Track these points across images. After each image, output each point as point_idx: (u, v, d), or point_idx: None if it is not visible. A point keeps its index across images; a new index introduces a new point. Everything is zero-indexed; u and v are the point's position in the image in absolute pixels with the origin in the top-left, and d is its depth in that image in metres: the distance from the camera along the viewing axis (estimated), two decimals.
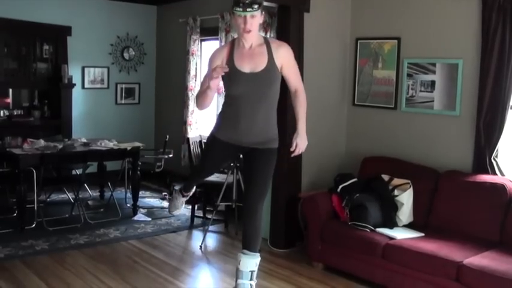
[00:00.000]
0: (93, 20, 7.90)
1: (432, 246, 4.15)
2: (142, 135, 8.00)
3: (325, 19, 5.62)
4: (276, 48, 3.31)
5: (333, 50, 5.76)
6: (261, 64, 3.25)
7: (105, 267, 4.77)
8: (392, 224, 4.63)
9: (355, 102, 5.82)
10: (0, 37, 7.14)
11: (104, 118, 8.11)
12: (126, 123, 8.30)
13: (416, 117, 5.29)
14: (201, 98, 3.40)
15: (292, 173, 5.37)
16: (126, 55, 8.33)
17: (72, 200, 6.43)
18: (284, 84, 3.55)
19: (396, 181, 4.87)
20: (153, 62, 8.66)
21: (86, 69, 7.95)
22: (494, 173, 4.66)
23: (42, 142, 6.00)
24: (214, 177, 5.70)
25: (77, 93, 7.77)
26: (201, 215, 6.21)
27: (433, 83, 5.13)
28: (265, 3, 5.24)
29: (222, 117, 3.51)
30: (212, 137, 3.55)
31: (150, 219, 6.29)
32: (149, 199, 7.23)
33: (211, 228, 5.86)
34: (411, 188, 4.78)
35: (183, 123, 7.62)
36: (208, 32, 7.34)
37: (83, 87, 7.94)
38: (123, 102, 8.39)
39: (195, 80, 7.52)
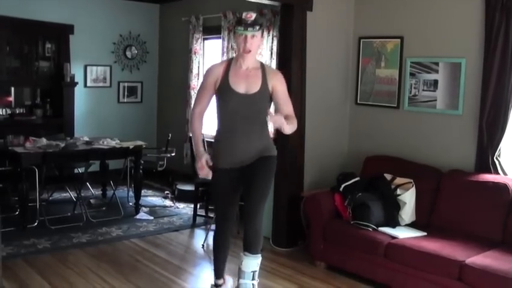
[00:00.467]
0: (95, 18, 7.90)
1: (434, 246, 4.14)
2: (144, 134, 8.00)
3: (328, 18, 5.61)
4: (270, 74, 3.40)
5: (335, 49, 5.75)
6: (255, 86, 3.31)
7: (107, 266, 4.77)
8: (394, 223, 4.62)
9: (358, 101, 5.82)
10: (2, 35, 7.14)
11: (106, 117, 8.11)
12: (128, 121, 8.30)
13: (418, 117, 5.28)
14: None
15: (294, 172, 5.37)
16: (128, 54, 8.33)
17: (74, 199, 6.43)
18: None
19: (398, 180, 4.86)
20: (155, 60, 8.65)
21: (89, 68, 7.95)
22: (497, 173, 4.65)
23: (44, 141, 6.00)
24: None
25: (79, 92, 7.77)
26: (203, 214, 6.21)
27: (435, 82, 5.12)
28: (268, 2, 5.27)
29: (218, 147, 3.52)
30: (215, 170, 3.53)
31: (152, 218, 6.30)
32: (151, 198, 7.24)
33: (213, 227, 5.84)
34: (413, 187, 4.77)
35: (185, 122, 7.61)
36: (211, 30, 7.33)
37: (85, 85, 7.94)
38: (125, 100, 8.39)
39: (198, 79, 7.52)
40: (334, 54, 5.74)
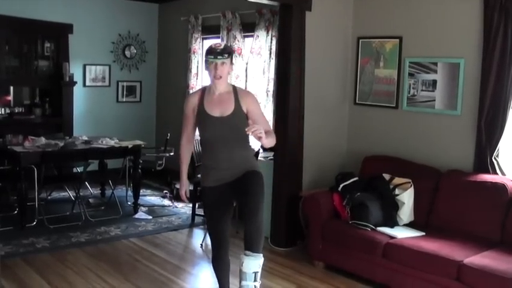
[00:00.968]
0: (94, 17, 7.90)
1: (433, 246, 4.15)
2: (143, 134, 7.99)
3: (327, 18, 5.62)
4: (242, 95, 3.58)
5: (334, 49, 5.76)
6: (229, 108, 3.50)
7: (106, 266, 4.77)
8: (393, 223, 4.63)
9: (357, 101, 5.82)
10: (1, 34, 7.14)
11: (105, 116, 8.11)
12: (127, 121, 8.30)
13: (417, 117, 5.29)
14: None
15: (293, 171, 5.38)
16: (127, 53, 8.33)
17: (73, 198, 6.43)
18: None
19: (397, 180, 4.87)
20: (154, 60, 8.65)
21: (88, 67, 7.95)
22: (495, 173, 4.66)
23: (43, 140, 6.00)
24: None
25: (78, 91, 7.77)
26: (202, 213, 6.21)
27: (434, 82, 5.13)
28: (267, 2, 5.28)
29: (204, 166, 3.70)
30: (203, 189, 3.72)
31: (151, 217, 6.30)
32: (150, 197, 7.24)
33: None
34: (412, 187, 4.78)
35: None
36: (210, 30, 7.33)
37: (84, 85, 7.94)
38: (124, 100, 8.39)
39: (197, 79, 7.52)
40: (333, 54, 5.75)
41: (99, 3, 7.95)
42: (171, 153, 7.03)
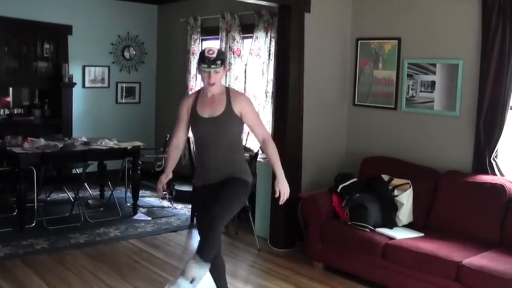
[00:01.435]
0: (94, 19, 7.90)
1: (432, 246, 4.16)
2: (142, 135, 7.99)
3: (326, 19, 5.62)
4: (235, 96, 3.60)
5: (333, 50, 5.76)
6: (219, 109, 3.53)
7: (105, 267, 4.77)
8: (392, 224, 4.63)
9: (356, 102, 5.83)
10: (1, 36, 7.14)
11: (104, 117, 8.11)
12: (126, 122, 8.30)
13: (416, 118, 5.29)
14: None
15: (292, 172, 5.37)
16: (126, 54, 8.33)
17: (72, 199, 6.43)
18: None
19: (396, 181, 4.87)
20: (153, 61, 8.66)
21: (87, 68, 7.95)
22: (494, 174, 4.66)
23: (42, 141, 6.00)
24: None
25: (77, 92, 7.77)
26: None
27: (433, 83, 5.13)
28: (266, 3, 5.28)
29: (196, 165, 3.78)
30: (194, 189, 3.77)
31: (150, 218, 6.30)
32: (149, 198, 7.24)
33: None
34: (411, 188, 4.78)
35: None
36: (209, 31, 7.34)
37: (83, 86, 7.94)
38: (123, 101, 8.39)
39: (196, 80, 7.52)
40: (332, 55, 5.75)
41: (98, 5, 7.95)
42: None
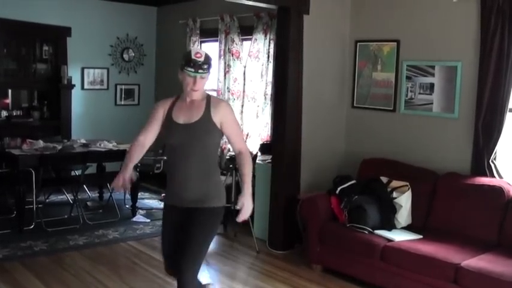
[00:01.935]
0: (92, 21, 7.90)
1: (430, 248, 4.16)
2: None
3: (325, 21, 5.63)
4: (215, 104, 3.28)
5: (332, 52, 5.77)
6: (195, 116, 3.23)
7: (104, 269, 4.77)
8: (390, 226, 4.63)
9: (354, 104, 5.83)
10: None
11: (104, 119, 8.11)
12: (125, 124, 8.27)
13: (415, 120, 5.30)
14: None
15: (291, 174, 5.38)
16: (125, 56, 8.33)
17: (71, 201, 6.44)
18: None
19: (395, 183, 4.87)
20: (152, 63, 8.66)
21: (86, 70, 7.95)
22: (493, 176, 4.66)
23: (41, 143, 6.00)
24: None
25: (76, 94, 7.77)
26: None
27: (432, 85, 5.14)
28: (265, 5, 5.29)
29: (167, 178, 3.44)
30: (164, 203, 3.48)
31: (149, 220, 6.30)
32: (148, 200, 7.24)
33: None
34: (410, 190, 4.78)
35: None
36: (208, 33, 7.34)
37: (82, 88, 7.94)
38: (122, 103, 8.39)
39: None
40: (330, 57, 5.76)
41: (97, 7, 7.95)
42: None
